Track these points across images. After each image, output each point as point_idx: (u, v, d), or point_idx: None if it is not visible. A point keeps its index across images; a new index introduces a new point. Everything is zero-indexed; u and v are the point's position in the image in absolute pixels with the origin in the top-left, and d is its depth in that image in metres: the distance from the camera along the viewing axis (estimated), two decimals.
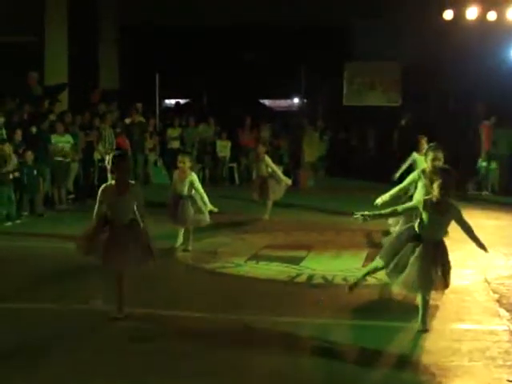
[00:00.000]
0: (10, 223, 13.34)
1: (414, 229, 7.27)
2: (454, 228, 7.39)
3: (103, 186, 7.56)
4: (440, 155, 9.41)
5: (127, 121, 19.05)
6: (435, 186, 7.13)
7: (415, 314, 7.26)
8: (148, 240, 7.54)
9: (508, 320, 7.65)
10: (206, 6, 22.49)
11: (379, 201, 10.04)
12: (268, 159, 14.33)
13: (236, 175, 21.24)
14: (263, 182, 14.19)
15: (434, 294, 7.53)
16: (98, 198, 7.48)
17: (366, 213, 7.43)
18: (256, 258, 10.68)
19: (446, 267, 7.17)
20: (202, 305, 8.18)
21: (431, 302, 7.42)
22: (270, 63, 23.47)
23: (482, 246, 7.31)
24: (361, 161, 22.61)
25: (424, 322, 7.17)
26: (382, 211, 7.77)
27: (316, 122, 22.68)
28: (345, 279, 9.38)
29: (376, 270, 7.70)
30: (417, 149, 12.04)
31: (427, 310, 7.22)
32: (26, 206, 14.18)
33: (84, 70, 20.44)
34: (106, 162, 16.00)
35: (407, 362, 6.41)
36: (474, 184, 18.80)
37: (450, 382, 6.04)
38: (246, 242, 11.94)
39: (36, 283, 9.11)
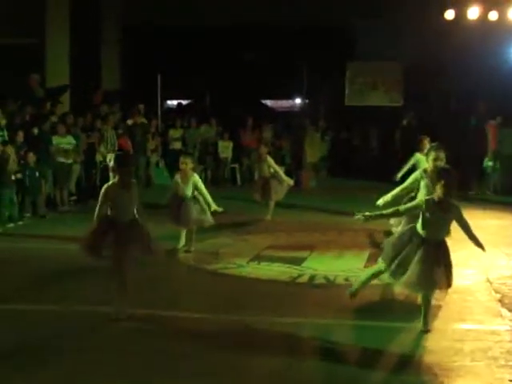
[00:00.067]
0: (12, 225, 13.35)
1: (415, 229, 7.26)
2: (455, 228, 7.39)
3: (106, 185, 7.57)
4: (442, 155, 9.40)
5: (129, 122, 19.04)
6: (437, 185, 7.12)
7: (417, 315, 7.26)
8: (149, 238, 7.60)
9: (510, 320, 7.64)
10: (208, 7, 22.50)
11: (381, 201, 10.03)
12: (270, 160, 14.32)
13: (238, 176, 21.25)
14: (265, 182, 14.18)
15: (436, 294, 7.53)
16: (100, 197, 7.49)
17: (367, 213, 7.42)
18: (258, 258, 10.68)
19: (448, 267, 7.17)
20: (203, 305, 8.18)
21: (433, 302, 7.42)
22: (271, 63, 23.48)
23: (479, 245, 7.31)
24: (363, 161, 22.60)
25: (426, 322, 7.16)
26: (384, 211, 7.75)
27: (318, 123, 22.69)
28: (347, 279, 9.38)
29: (379, 273, 7.67)
30: (419, 149, 12.01)
31: (429, 310, 7.22)
32: (28, 207, 14.18)
33: (86, 71, 20.44)
34: (108, 160, 16.01)
35: (409, 362, 6.40)
36: (478, 184, 18.74)
37: (452, 382, 6.03)
38: (248, 243, 11.94)
39: (38, 284, 9.12)
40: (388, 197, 10.11)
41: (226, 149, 21.06)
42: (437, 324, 7.41)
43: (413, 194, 9.83)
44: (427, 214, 7.12)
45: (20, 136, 14.30)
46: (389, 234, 10.28)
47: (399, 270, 7.18)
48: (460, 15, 19.44)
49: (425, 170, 9.66)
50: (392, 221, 10.33)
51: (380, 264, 7.60)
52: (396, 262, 7.20)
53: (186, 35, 23.21)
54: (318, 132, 22.43)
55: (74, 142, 15.58)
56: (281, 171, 14.57)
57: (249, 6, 22.49)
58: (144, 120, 19.70)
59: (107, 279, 7.73)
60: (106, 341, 6.96)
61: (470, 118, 19.34)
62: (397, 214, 7.80)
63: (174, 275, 9.78)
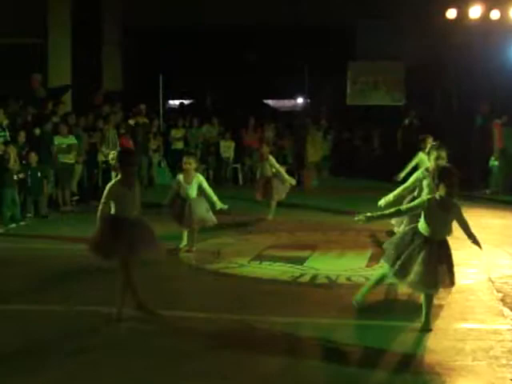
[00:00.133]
0: (14, 225, 13.36)
1: (417, 229, 7.25)
2: (457, 227, 7.38)
3: (110, 184, 7.53)
4: (443, 154, 9.40)
5: (131, 122, 19.05)
6: (440, 184, 7.11)
7: (419, 314, 7.25)
8: (154, 237, 7.65)
9: None
10: (210, 7, 22.52)
11: (382, 202, 10.03)
12: (272, 159, 14.33)
13: (240, 176, 21.26)
14: (267, 182, 14.18)
15: (439, 293, 7.52)
16: (104, 196, 7.46)
17: (369, 214, 7.40)
18: (260, 258, 10.67)
19: (450, 266, 7.17)
20: (205, 305, 8.18)
21: (435, 302, 7.41)
22: (273, 63, 23.47)
23: (476, 242, 7.30)
24: (365, 160, 22.58)
25: (427, 321, 7.16)
26: (386, 212, 7.71)
27: (320, 122, 22.68)
28: (349, 279, 9.38)
29: (383, 278, 7.64)
30: (422, 148, 11.95)
31: (431, 310, 7.21)
32: (30, 207, 14.19)
33: (87, 71, 20.47)
34: (110, 158, 15.96)
35: (410, 362, 6.40)
36: (484, 183, 18.70)
37: (453, 381, 6.03)
38: (250, 243, 11.94)
39: (39, 284, 9.11)
40: (390, 197, 10.10)
41: (227, 149, 21.07)
42: (438, 323, 7.40)
43: (415, 194, 9.84)
44: (429, 214, 7.12)
45: (22, 136, 14.31)
46: (391, 233, 10.28)
47: (403, 271, 7.16)
48: (462, 14, 19.43)
49: (427, 169, 9.67)
50: (393, 221, 10.32)
51: (383, 269, 7.59)
52: (399, 262, 7.18)
53: (188, 35, 23.22)
54: (320, 131, 22.43)
55: (75, 141, 15.58)
56: (283, 171, 14.57)
57: (251, 6, 22.51)
58: (146, 120, 19.71)
59: (110, 279, 7.73)
60: (107, 341, 6.96)
61: (475, 117, 19.30)
62: (398, 213, 7.76)
63: (176, 275, 9.76)
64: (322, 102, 24.00)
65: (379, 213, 7.66)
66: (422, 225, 7.20)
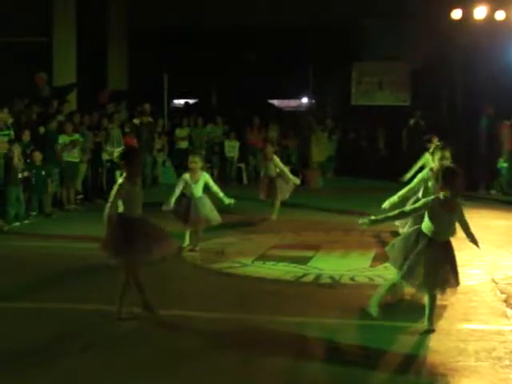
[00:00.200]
0: (18, 223, 13.38)
1: (421, 230, 7.24)
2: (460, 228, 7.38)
3: (118, 182, 7.52)
4: (447, 154, 9.41)
5: (136, 121, 19.07)
6: (444, 185, 7.11)
7: (422, 314, 7.24)
8: (165, 233, 7.72)
9: None
10: (215, 7, 22.53)
11: (387, 204, 10.01)
12: (277, 159, 14.33)
13: (244, 175, 21.26)
14: (271, 181, 14.18)
15: (444, 294, 7.50)
16: (113, 195, 7.44)
17: (373, 217, 7.39)
18: (263, 258, 10.68)
19: (454, 266, 7.17)
20: (208, 305, 8.19)
21: (438, 302, 7.40)
22: (278, 63, 23.45)
23: (474, 241, 7.29)
24: (370, 161, 22.54)
25: (431, 321, 7.15)
26: (390, 214, 7.65)
27: (325, 122, 22.68)
28: (352, 279, 9.38)
29: (394, 285, 7.61)
30: (428, 149, 11.89)
31: (434, 310, 7.20)
32: (35, 206, 14.21)
33: (92, 70, 20.49)
34: (115, 157, 15.90)
35: (413, 362, 6.41)
36: (492, 184, 18.65)
37: (456, 382, 6.03)
38: (254, 242, 11.94)
39: (43, 283, 9.14)
40: (394, 198, 10.10)
41: (232, 148, 21.08)
42: (441, 324, 7.40)
43: (419, 195, 9.82)
44: (433, 214, 7.11)
45: (26, 135, 14.32)
46: (396, 234, 10.26)
47: (410, 273, 7.12)
48: (467, 15, 19.38)
49: (431, 170, 9.66)
50: (398, 222, 10.28)
51: (392, 276, 7.57)
52: (406, 265, 7.14)
53: (192, 35, 23.21)
54: (326, 132, 22.42)
55: (79, 137, 15.58)
56: (287, 171, 14.56)
57: (256, 6, 22.51)
58: (150, 119, 19.72)
59: (113, 278, 7.74)
60: (109, 340, 6.98)
61: (480, 117, 19.25)
62: (403, 215, 7.74)
63: (179, 274, 9.76)
64: (327, 102, 23.99)
65: (383, 216, 7.62)
66: (426, 225, 7.19)
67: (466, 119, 20.02)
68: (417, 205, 7.56)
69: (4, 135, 13.58)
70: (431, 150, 9.99)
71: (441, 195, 7.14)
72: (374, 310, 7.51)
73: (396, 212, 7.59)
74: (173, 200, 10.95)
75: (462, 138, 18.57)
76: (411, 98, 23.16)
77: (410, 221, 9.28)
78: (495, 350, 6.60)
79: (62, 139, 15.22)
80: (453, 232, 7.25)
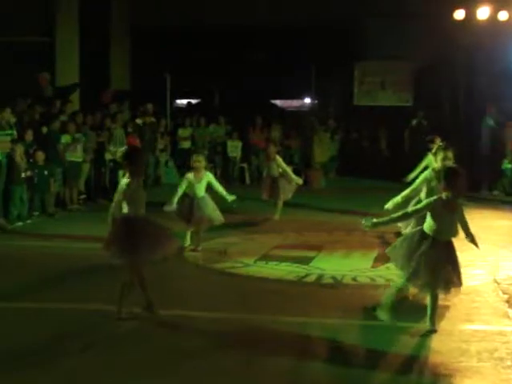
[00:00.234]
0: (20, 223, 13.38)
1: (423, 230, 7.24)
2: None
3: (123, 183, 7.52)
4: (450, 154, 9.42)
5: (139, 121, 19.07)
6: (446, 185, 7.11)
7: (424, 315, 7.24)
8: (168, 232, 7.76)
9: None
10: (217, 7, 22.53)
11: (390, 204, 10.00)
12: (279, 159, 14.33)
13: (247, 175, 21.26)
14: (273, 181, 14.18)
15: (447, 295, 7.50)
16: (121, 193, 7.45)
17: (375, 220, 7.38)
18: (265, 257, 10.68)
19: (457, 266, 7.17)
20: (210, 304, 8.20)
21: (441, 303, 7.40)
22: (280, 63, 23.45)
23: (474, 242, 7.29)
24: (372, 161, 22.52)
25: (432, 322, 7.15)
26: (394, 216, 7.63)
27: (327, 122, 22.68)
28: (354, 279, 9.38)
29: (401, 289, 7.59)
30: (431, 149, 11.86)
31: (436, 311, 7.20)
32: (37, 205, 14.21)
33: (95, 70, 20.50)
34: (118, 157, 15.92)
35: (415, 363, 6.42)
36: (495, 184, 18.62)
37: (458, 382, 6.04)
38: (256, 242, 11.94)
39: (45, 283, 9.15)
40: (398, 199, 10.10)
41: (234, 148, 21.08)
42: (444, 324, 7.40)
43: (422, 196, 9.82)
44: (435, 214, 7.11)
45: (29, 135, 14.33)
46: (399, 235, 10.25)
47: (415, 274, 7.11)
48: (470, 15, 19.36)
49: (434, 170, 9.66)
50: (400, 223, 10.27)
51: (398, 281, 7.56)
52: (411, 267, 7.12)
53: (195, 35, 23.22)
54: (328, 132, 22.42)
55: (81, 136, 15.59)
56: (290, 171, 14.57)
57: (258, 6, 22.51)
58: (153, 119, 19.72)
59: (114, 278, 7.75)
60: (109, 340, 6.99)
61: (482, 118, 19.22)
62: (406, 217, 7.74)
63: (181, 274, 9.77)
64: (329, 103, 23.98)
65: (386, 218, 7.61)
66: (428, 225, 7.19)
67: (468, 119, 20.02)
68: (419, 206, 7.56)
69: (7, 135, 13.58)
70: (434, 151, 10.00)
71: (443, 195, 7.14)
72: (384, 315, 7.45)
73: (399, 214, 7.59)
74: (176, 200, 10.95)
75: (465, 139, 18.56)
76: (413, 98, 23.16)
77: (412, 222, 9.29)
78: (497, 351, 6.60)
79: (65, 139, 15.22)
80: (455, 232, 7.25)
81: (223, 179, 20.30)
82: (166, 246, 7.66)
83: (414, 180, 10.84)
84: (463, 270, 7.38)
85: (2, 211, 13.14)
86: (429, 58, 21.18)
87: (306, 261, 10.41)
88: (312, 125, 22.05)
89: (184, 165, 17.58)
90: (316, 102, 25.16)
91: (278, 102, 27.57)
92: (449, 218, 7.12)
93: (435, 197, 7.36)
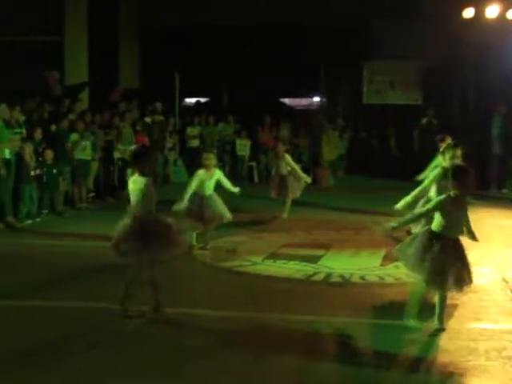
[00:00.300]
0: (30, 221, 13.42)
1: (431, 230, 7.22)
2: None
3: (145, 182, 7.48)
4: (458, 153, 9.40)
5: (147, 120, 19.10)
6: (454, 183, 7.10)
7: (432, 313, 7.22)
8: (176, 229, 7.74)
9: None
10: (226, 6, 22.55)
11: (401, 204, 9.97)
12: (288, 157, 14.34)
13: (255, 174, 21.27)
14: (282, 180, 14.18)
15: (455, 293, 7.48)
16: (140, 193, 7.44)
17: (392, 224, 7.39)
18: (274, 256, 10.67)
19: (466, 263, 7.16)
20: (218, 303, 8.20)
21: (449, 301, 7.38)
22: (289, 62, 23.44)
23: (474, 238, 7.29)
24: (381, 160, 22.50)
25: (441, 321, 7.13)
26: (407, 217, 7.68)
27: (336, 121, 22.67)
28: (363, 278, 9.37)
29: (421, 292, 7.56)
30: (440, 148, 11.78)
31: (444, 309, 7.19)
32: (46, 204, 14.24)
33: (104, 69, 20.53)
34: (127, 155, 15.90)
35: (423, 361, 6.40)
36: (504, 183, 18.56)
37: (466, 381, 6.02)
38: (264, 241, 11.94)
39: (53, 281, 9.15)
40: (408, 198, 10.07)
41: (243, 147, 21.10)
42: (452, 323, 7.38)
43: (431, 194, 9.79)
44: (444, 212, 7.10)
45: (38, 133, 14.36)
46: (409, 233, 10.22)
47: (432, 276, 7.08)
48: (479, 14, 19.32)
49: (443, 169, 9.63)
50: None
51: (416, 285, 7.54)
52: (426, 268, 7.07)
53: (204, 34, 23.24)
54: (336, 130, 22.42)
55: (92, 138, 15.61)
56: (298, 169, 14.58)
57: (268, 5, 22.52)
58: (162, 118, 19.75)
59: (122, 277, 7.76)
60: (116, 338, 7.00)
61: (492, 116, 19.17)
62: (420, 216, 7.79)
63: (189, 272, 9.76)
64: (338, 101, 23.98)
65: (401, 221, 7.63)
66: (436, 223, 7.18)
67: (477, 118, 19.97)
68: (430, 205, 7.53)
69: (16, 133, 13.61)
70: (442, 149, 9.97)
71: (452, 193, 7.14)
72: (411, 321, 7.34)
73: (415, 213, 7.71)
74: (187, 198, 10.92)
75: (474, 137, 18.51)
76: (423, 97, 23.13)
77: (423, 221, 9.26)
78: (506, 350, 6.58)
79: (73, 137, 15.24)
80: (462, 230, 7.25)
81: (232, 178, 20.35)
82: (177, 246, 7.67)
83: (424, 179, 10.81)
84: (472, 269, 7.35)
85: (12, 209, 13.17)
86: (438, 56, 21.14)
87: (314, 259, 10.40)
88: (321, 123, 22.04)
89: (193, 163, 17.61)
90: (325, 100, 25.14)
91: (286, 101, 27.57)
92: (457, 215, 7.12)
93: (444, 195, 7.35)
